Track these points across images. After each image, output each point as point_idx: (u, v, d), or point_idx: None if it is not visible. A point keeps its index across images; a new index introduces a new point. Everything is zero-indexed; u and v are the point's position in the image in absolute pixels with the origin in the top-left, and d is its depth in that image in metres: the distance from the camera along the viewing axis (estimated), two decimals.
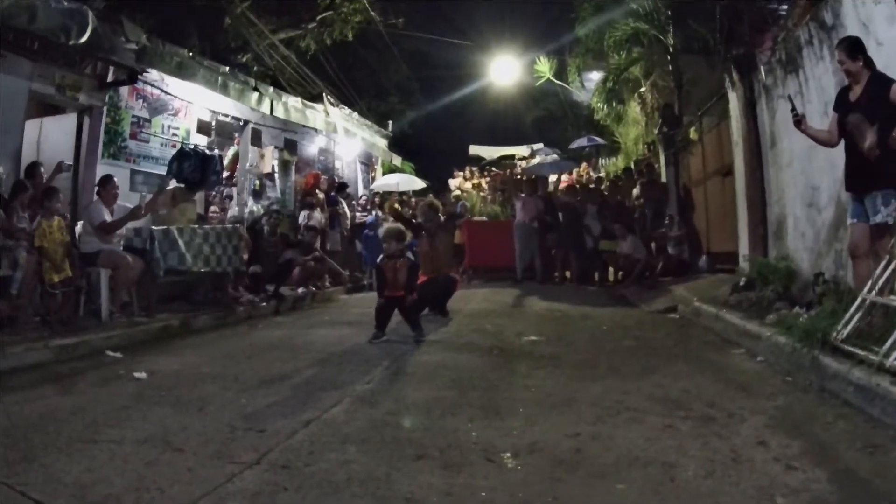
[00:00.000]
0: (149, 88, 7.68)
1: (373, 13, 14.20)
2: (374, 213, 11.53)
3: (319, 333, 5.74)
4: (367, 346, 4.92)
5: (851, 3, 4.53)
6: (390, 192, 13.50)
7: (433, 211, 6.99)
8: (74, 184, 6.84)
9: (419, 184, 14.32)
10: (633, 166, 12.71)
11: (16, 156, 6.08)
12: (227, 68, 9.04)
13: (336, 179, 12.16)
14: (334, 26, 13.81)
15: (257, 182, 10.04)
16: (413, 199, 13.23)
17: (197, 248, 6.55)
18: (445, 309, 6.57)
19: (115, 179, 6.26)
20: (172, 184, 7.31)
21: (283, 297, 7.78)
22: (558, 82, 17.13)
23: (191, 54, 8.26)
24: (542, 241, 10.35)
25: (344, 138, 12.62)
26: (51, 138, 7.13)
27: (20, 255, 5.10)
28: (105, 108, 7.03)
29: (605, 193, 11.08)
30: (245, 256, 7.31)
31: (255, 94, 9.18)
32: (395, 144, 16.58)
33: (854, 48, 3.81)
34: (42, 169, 6.20)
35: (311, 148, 11.97)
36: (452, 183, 15.80)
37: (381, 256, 5.29)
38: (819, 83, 5.12)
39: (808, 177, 5.41)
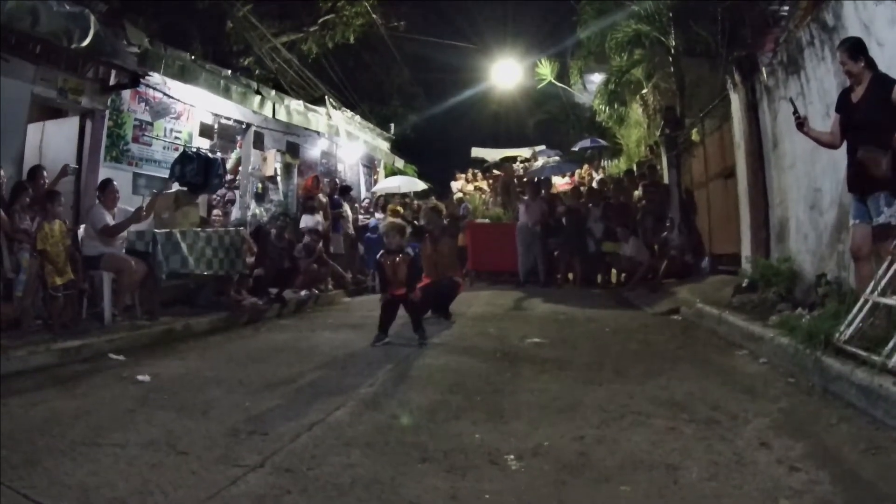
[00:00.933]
0: (151, 92, 7.71)
1: (375, 16, 14.23)
2: (376, 215, 11.53)
3: (323, 336, 5.74)
4: (370, 350, 4.91)
5: (853, 4, 4.52)
6: (392, 195, 13.52)
7: (437, 214, 6.99)
8: (77, 187, 6.85)
9: (420, 185, 14.33)
10: (635, 168, 12.68)
11: (18, 159, 6.10)
12: (230, 72, 9.09)
13: (338, 182, 12.16)
14: (336, 29, 13.86)
15: (260, 185, 10.07)
16: (415, 202, 13.23)
17: (200, 252, 6.55)
18: (449, 312, 6.56)
19: (115, 183, 6.26)
20: (175, 187, 7.32)
21: (285, 300, 7.78)
22: (560, 85, 17.13)
23: (193, 58, 8.30)
24: (544, 243, 10.35)
25: (346, 141, 12.63)
26: (53, 142, 7.13)
27: (23, 257, 5.11)
28: (107, 112, 7.06)
29: (609, 196, 11.05)
30: (249, 259, 7.32)
31: (258, 98, 9.21)
32: (398, 147, 16.62)
33: (856, 49, 3.81)
34: (45, 172, 6.21)
35: (314, 151, 11.98)
36: (454, 185, 15.80)
37: (380, 252, 5.29)
38: (821, 84, 5.11)
39: (810, 178, 5.40)
